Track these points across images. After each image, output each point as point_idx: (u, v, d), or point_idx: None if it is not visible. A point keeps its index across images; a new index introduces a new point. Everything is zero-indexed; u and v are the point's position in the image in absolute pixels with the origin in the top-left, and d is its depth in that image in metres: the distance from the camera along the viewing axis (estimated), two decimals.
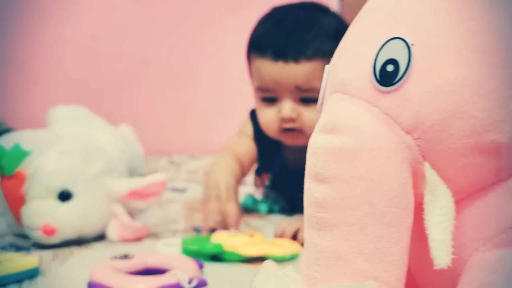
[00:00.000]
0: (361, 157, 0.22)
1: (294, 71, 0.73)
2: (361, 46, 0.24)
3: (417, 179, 0.23)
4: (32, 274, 0.50)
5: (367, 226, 0.22)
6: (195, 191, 1.21)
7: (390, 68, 0.22)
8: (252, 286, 0.23)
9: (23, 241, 0.67)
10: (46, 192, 0.63)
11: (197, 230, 0.75)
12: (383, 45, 0.22)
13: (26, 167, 0.64)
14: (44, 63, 2.43)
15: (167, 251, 0.59)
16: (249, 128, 0.88)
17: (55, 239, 0.63)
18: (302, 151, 0.86)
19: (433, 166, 0.22)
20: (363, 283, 0.21)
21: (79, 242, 0.66)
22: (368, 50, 0.23)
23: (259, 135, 0.86)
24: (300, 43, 0.73)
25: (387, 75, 0.22)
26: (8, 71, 2.40)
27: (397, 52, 0.22)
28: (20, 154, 0.62)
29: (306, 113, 0.75)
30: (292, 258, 0.56)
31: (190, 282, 0.44)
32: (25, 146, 0.64)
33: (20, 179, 0.64)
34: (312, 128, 0.80)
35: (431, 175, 0.22)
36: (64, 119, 0.78)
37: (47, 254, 0.60)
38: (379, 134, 0.22)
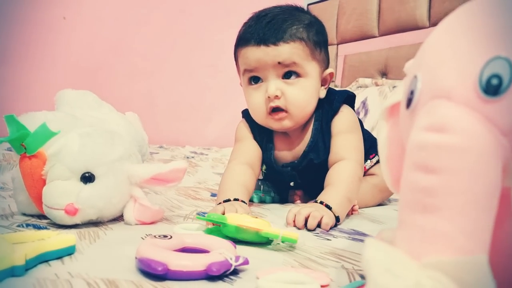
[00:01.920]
0: (467, 153, 0.27)
1: (275, 52, 0.82)
2: (464, 61, 0.28)
3: (503, 175, 0.28)
4: (70, 251, 0.52)
5: (469, 211, 0.27)
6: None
7: (495, 81, 0.27)
8: (364, 257, 0.28)
9: (35, 221, 0.68)
10: (70, 173, 0.63)
11: (202, 214, 0.78)
12: (488, 62, 0.27)
13: (47, 148, 0.65)
14: (11, 44, 2.33)
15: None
16: (246, 130, 0.93)
17: (76, 220, 0.64)
18: (290, 140, 0.90)
19: None
20: (474, 256, 0.26)
21: (95, 223, 0.67)
22: (473, 66, 0.28)
23: (256, 130, 0.90)
24: (278, 30, 0.82)
25: (492, 87, 0.27)
26: None
27: (501, 68, 0.27)
28: (46, 134, 0.62)
29: (289, 90, 0.84)
30: (284, 241, 0.57)
31: (236, 260, 0.47)
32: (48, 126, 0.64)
33: (41, 159, 0.64)
34: (296, 105, 0.86)
35: None
36: (74, 102, 0.79)
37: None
38: (481, 135, 0.27)
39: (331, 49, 2.27)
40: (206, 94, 2.51)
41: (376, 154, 0.98)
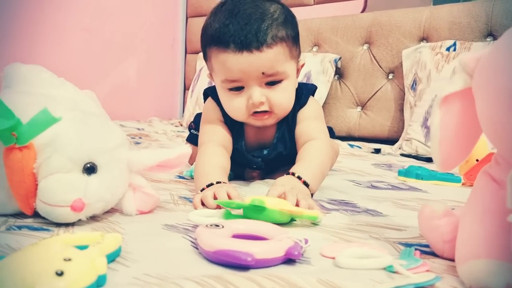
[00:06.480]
0: None
1: (259, 60, 0.79)
2: None
3: None
4: (118, 253, 0.47)
5: None
6: None
7: None
8: None
9: (17, 222, 0.59)
10: (71, 165, 0.56)
11: (185, 198, 0.76)
12: None
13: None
14: None
15: (202, 221, 0.60)
16: (217, 113, 0.91)
17: (81, 216, 0.57)
18: (260, 131, 0.91)
19: None
20: None
21: (92, 217, 0.61)
22: None
23: (228, 117, 0.89)
24: (259, 32, 0.78)
25: None
26: None
27: None
28: (47, 122, 0.54)
29: (273, 94, 0.83)
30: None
31: (306, 242, 0.49)
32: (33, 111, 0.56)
33: (32, 150, 0.56)
34: (280, 107, 0.88)
35: None
36: (32, 80, 0.68)
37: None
38: None
39: None
40: (79, 62, 2.27)
41: None
